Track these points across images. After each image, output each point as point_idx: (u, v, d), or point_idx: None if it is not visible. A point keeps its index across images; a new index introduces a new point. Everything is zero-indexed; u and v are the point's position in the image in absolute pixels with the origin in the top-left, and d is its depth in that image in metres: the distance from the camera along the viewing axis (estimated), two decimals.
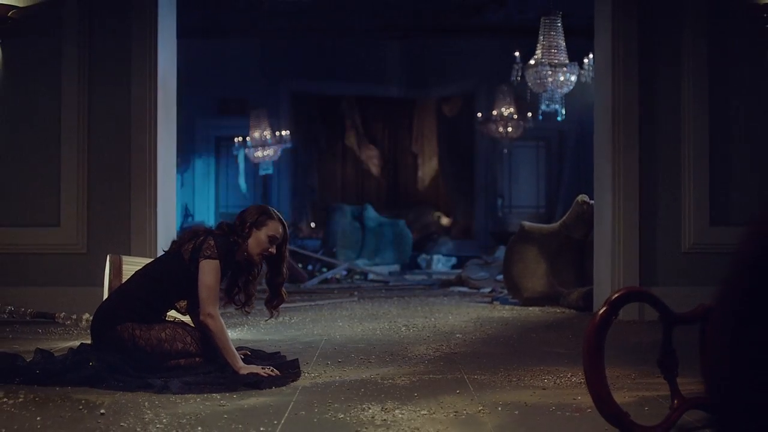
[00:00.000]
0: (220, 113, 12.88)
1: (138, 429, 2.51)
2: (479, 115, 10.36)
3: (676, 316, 2.54)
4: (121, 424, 2.58)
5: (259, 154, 10.28)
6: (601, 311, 2.37)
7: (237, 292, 3.62)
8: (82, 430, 2.51)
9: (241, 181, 12.50)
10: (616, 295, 2.41)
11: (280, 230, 3.57)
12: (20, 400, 2.94)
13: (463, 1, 10.48)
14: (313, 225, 13.50)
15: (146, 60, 5.45)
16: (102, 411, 2.74)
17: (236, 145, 10.71)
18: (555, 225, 6.78)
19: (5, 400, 2.93)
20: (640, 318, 5.27)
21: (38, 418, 2.66)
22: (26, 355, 3.52)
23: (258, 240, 3.53)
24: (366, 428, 2.53)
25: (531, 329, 5.09)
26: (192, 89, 10.46)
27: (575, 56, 8.03)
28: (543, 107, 8.21)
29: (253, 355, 3.67)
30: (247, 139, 10.33)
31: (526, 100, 8.49)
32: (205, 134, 13.03)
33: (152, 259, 4.12)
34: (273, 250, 3.56)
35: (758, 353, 0.96)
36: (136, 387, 3.12)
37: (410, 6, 10.74)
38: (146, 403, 2.87)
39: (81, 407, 2.82)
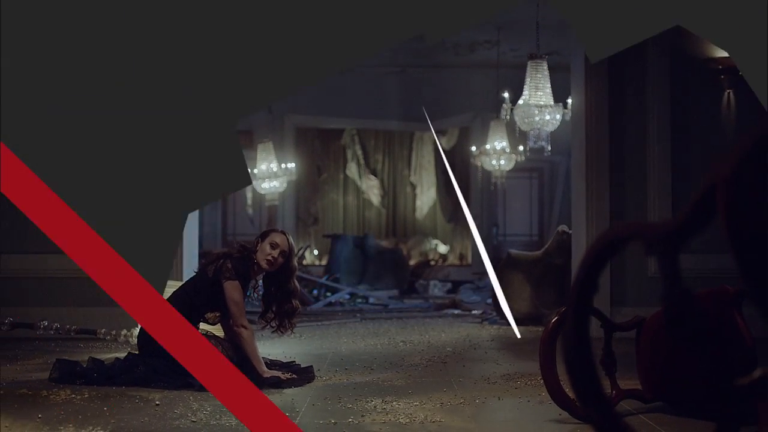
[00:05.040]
0: None
1: (189, 414, 3.16)
2: (473, 148, 10.97)
3: (615, 325, 3.21)
4: (174, 411, 3.23)
5: (265, 185, 10.82)
6: (553, 320, 3.04)
7: (272, 317, 4.23)
8: (144, 415, 3.16)
9: (249, 211, 13.11)
10: (564, 308, 3.07)
11: (282, 239, 4.16)
12: (85, 396, 3.59)
13: (458, 41, 11.19)
14: (316, 252, 14.03)
15: None
16: (157, 402, 3.40)
17: None
18: (539, 253, 7.39)
19: (73, 396, 3.58)
20: None
21: (105, 408, 3.30)
22: None
23: (263, 249, 4.15)
24: (370, 414, 3.19)
25: (513, 344, 5.71)
26: None
27: (563, 91, 8.57)
28: (531, 143, 8.72)
29: (271, 364, 4.31)
30: (254, 170, 10.84)
31: (516, 135, 9.06)
32: None
33: (185, 281, 4.80)
34: (275, 254, 4.11)
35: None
36: (179, 386, 3.74)
37: (408, 45, 11.41)
38: (191, 397, 3.53)
39: (137, 400, 3.48)
